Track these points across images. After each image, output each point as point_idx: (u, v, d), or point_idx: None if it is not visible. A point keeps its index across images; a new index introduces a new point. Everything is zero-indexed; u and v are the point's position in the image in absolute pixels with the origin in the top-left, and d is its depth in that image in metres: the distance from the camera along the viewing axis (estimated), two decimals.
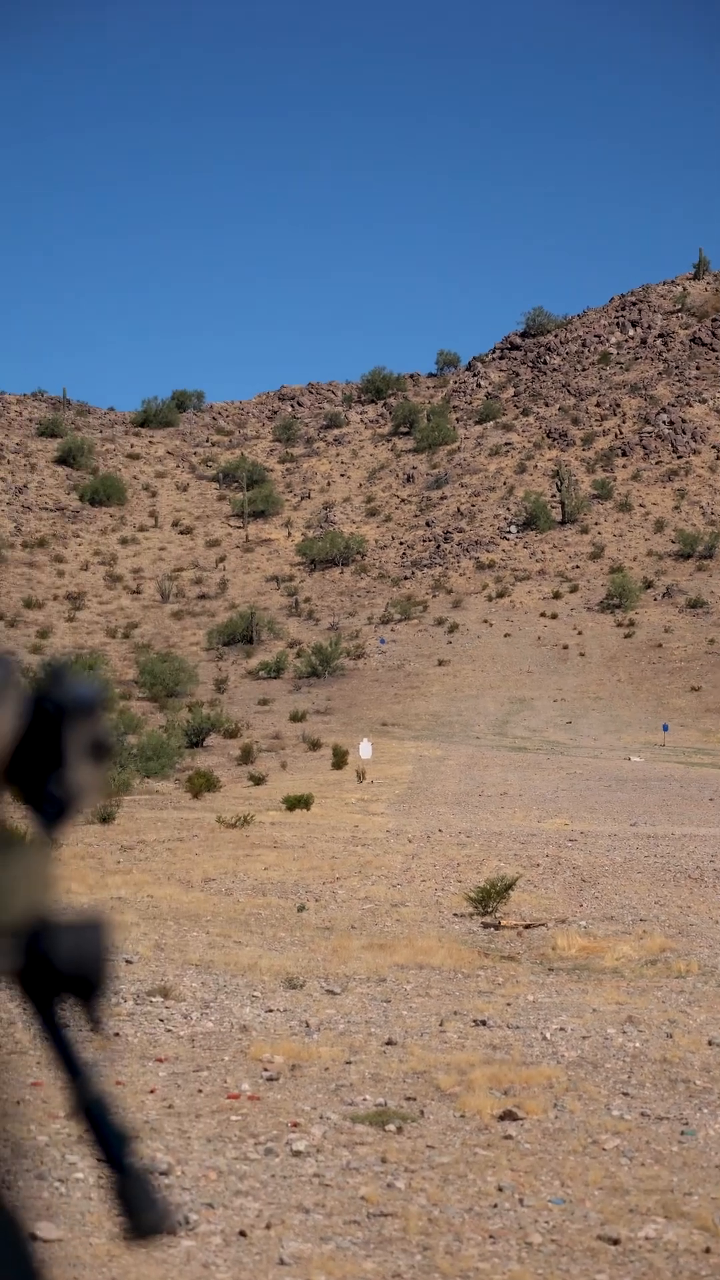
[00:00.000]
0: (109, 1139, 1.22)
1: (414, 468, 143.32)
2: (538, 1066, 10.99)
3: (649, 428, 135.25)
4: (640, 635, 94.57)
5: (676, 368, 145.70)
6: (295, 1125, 9.36)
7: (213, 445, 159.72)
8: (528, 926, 18.93)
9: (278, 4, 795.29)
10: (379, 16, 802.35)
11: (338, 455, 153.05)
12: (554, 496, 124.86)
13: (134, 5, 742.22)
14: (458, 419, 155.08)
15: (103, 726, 1.33)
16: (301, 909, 19.94)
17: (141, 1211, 1.25)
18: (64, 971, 1.16)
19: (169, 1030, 12.19)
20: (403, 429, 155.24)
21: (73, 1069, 1.19)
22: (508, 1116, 9.58)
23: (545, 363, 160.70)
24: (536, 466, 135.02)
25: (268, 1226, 7.55)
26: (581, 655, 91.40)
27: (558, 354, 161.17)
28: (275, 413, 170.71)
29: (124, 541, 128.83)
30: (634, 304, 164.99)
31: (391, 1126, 9.35)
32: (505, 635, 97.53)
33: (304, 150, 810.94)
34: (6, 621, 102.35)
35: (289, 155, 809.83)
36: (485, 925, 19.02)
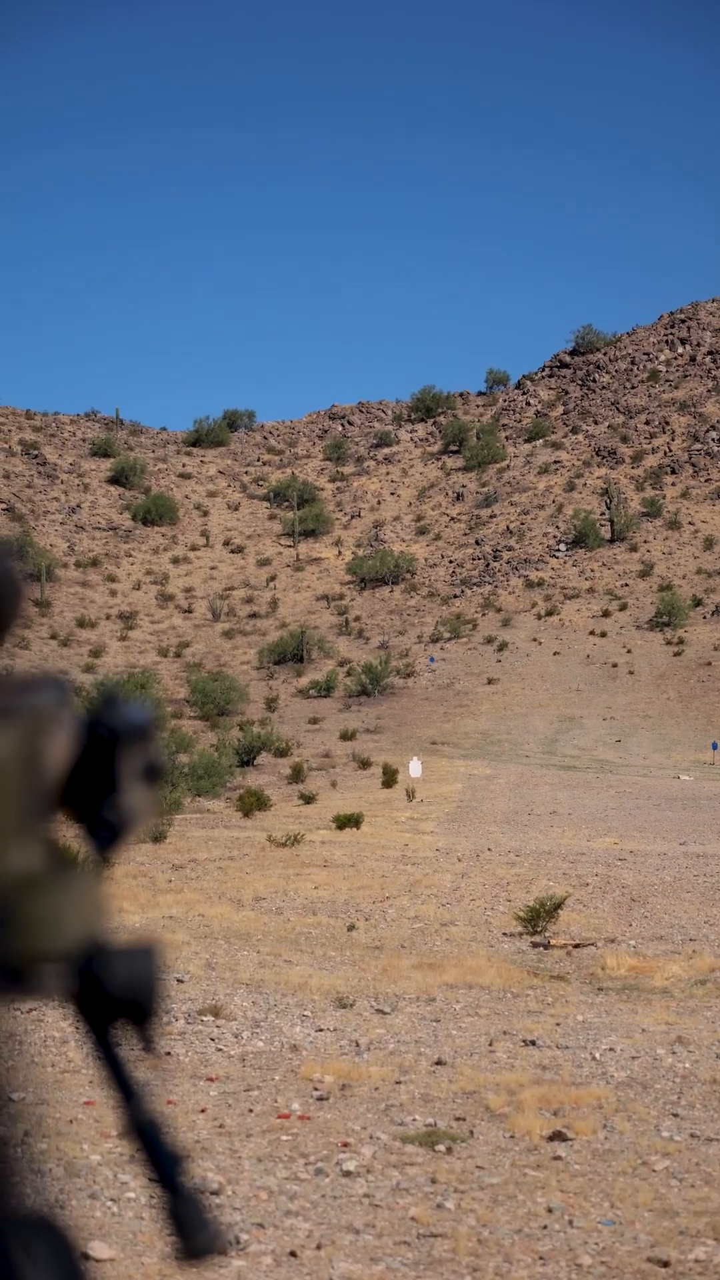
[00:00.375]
0: (161, 1160, 1.28)
1: (463, 486, 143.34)
2: (587, 1087, 10.98)
3: (698, 445, 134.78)
4: (689, 653, 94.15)
5: None
6: (345, 1145, 9.39)
7: (264, 464, 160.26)
8: (577, 946, 18.90)
9: (330, 23, 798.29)
10: (436, 33, 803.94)
11: (388, 474, 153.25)
12: (603, 514, 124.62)
13: (175, 36, 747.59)
14: (507, 437, 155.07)
15: (155, 750, 1.39)
16: (351, 928, 19.97)
17: (193, 1232, 1.30)
18: (117, 995, 1.22)
19: (220, 1049, 12.25)
20: (452, 447, 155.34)
21: (126, 1091, 1.25)
22: (557, 1137, 9.58)
23: (594, 381, 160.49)
24: (585, 484, 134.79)
25: (318, 1247, 7.59)
26: (631, 673, 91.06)
27: (607, 372, 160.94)
28: (326, 432, 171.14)
29: (176, 561, 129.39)
30: (683, 321, 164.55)
31: (441, 1147, 9.38)
32: (554, 653, 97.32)
33: (360, 170, 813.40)
34: (60, 641, 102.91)
35: (344, 174, 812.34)
36: (534, 945, 19.00)
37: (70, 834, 1.42)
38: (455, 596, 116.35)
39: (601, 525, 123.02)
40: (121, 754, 1.34)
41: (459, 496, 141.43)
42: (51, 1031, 11.96)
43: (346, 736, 70.49)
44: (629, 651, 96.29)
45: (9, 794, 1.23)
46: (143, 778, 1.35)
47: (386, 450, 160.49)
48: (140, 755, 1.35)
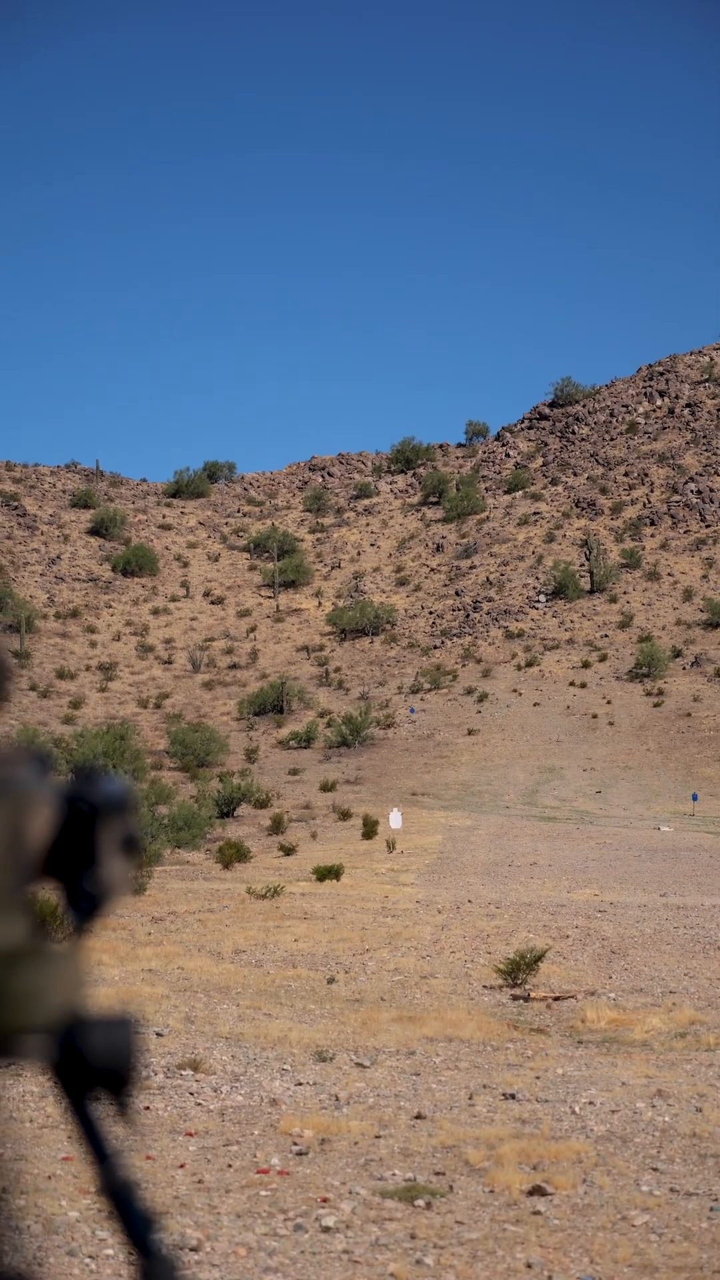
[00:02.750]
0: (134, 1221, 1.31)
1: (443, 537, 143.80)
2: (567, 1141, 10.97)
3: (677, 497, 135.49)
4: (669, 704, 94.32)
5: (704, 437, 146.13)
6: (325, 1200, 9.36)
7: (244, 516, 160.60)
8: (557, 998, 18.89)
9: (305, 70, 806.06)
10: (418, 82, 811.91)
11: (368, 525, 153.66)
12: (583, 565, 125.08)
13: (168, 95, 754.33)
14: (487, 489, 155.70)
15: (134, 824, 1.44)
16: (331, 981, 19.93)
17: None
18: (95, 1066, 1.27)
19: (199, 1104, 12.21)
20: (432, 499, 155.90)
21: (100, 1154, 1.29)
22: (537, 1192, 9.57)
23: (573, 432, 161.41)
24: (565, 536, 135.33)
25: None
26: (611, 724, 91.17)
27: (586, 424, 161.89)
28: (306, 483, 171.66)
29: (156, 612, 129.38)
30: (661, 374, 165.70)
31: (421, 1202, 9.36)
32: (534, 704, 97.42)
33: (340, 222, 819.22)
34: (39, 692, 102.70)
35: (324, 225, 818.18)
36: (515, 997, 18.98)
37: (51, 905, 1.47)
38: (435, 647, 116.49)
39: (581, 576, 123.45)
40: (101, 827, 1.37)
41: (439, 548, 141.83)
42: (30, 1086, 11.91)
43: (327, 788, 70.38)
44: (609, 702, 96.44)
45: None
46: (121, 850, 1.39)
47: (366, 501, 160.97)
48: (119, 828, 1.39)
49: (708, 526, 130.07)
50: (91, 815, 1.37)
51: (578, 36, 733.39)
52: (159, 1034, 15.19)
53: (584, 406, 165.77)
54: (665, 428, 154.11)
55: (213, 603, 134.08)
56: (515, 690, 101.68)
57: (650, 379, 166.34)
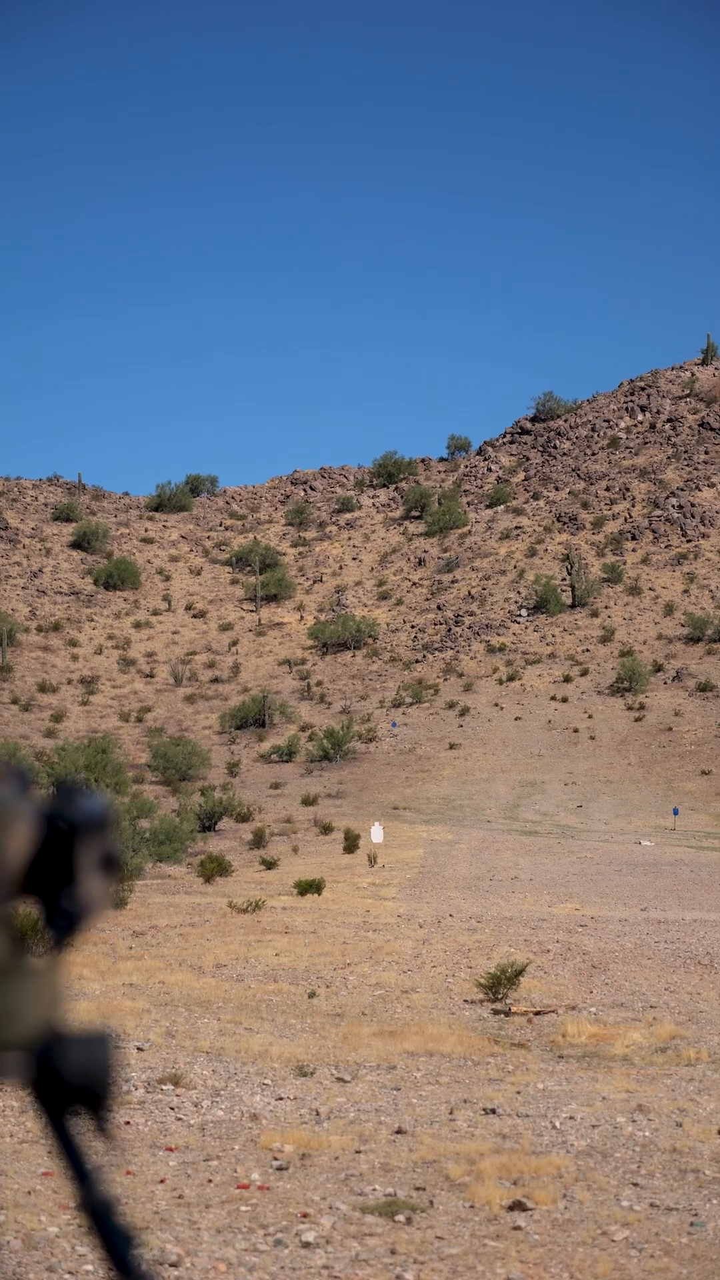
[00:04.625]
0: (113, 1239, 1.32)
1: (425, 551, 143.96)
2: (547, 1156, 10.97)
3: (658, 512, 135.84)
4: (650, 719, 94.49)
5: (685, 452, 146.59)
6: (305, 1216, 9.36)
7: (226, 529, 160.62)
8: (538, 1013, 18.89)
9: (282, 90, 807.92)
10: (396, 93, 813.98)
11: (350, 539, 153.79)
12: (564, 580, 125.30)
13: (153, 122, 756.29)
14: (468, 503, 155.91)
15: (113, 842, 1.45)
16: (312, 995, 19.91)
17: None
18: (72, 1083, 1.28)
19: (179, 1119, 12.19)
20: (414, 513, 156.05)
21: (80, 1173, 1.30)
22: (517, 1207, 9.57)
23: (555, 447, 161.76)
24: (547, 550, 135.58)
25: None
26: (592, 739, 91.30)
27: (567, 438, 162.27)
28: (288, 497, 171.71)
29: (137, 625, 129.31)
30: (643, 389, 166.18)
31: (401, 1217, 9.35)
32: (516, 719, 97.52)
33: (320, 235, 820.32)
34: (21, 705, 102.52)
35: (304, 240, 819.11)
36: (496, 1012, 18.98)
37: (30, 921, 1.47)
38: (417, 661, 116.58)
39: (563, 591, 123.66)
40: (80, 845, 1.38)
41: (421, 562, 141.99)
42: (10, 1101, 11.89)
43: (308, 801, 70.36)
44: (590, 717, 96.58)
45: None
46: (100, 868, 1.40)
47: (348, 515, 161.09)
48: (98, 846, 1.40)
49: (689, 541, 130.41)
50: (70, 833, 1.38)
51: (559, 54, 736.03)
52: (140, 1048, 15.16)
53: (566, 421, 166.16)
54: (647, 443, 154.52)
55: (195, 616, 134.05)
56: (497, 704, 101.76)
57: (632, 394, 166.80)
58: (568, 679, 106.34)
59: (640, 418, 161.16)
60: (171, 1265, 8.18)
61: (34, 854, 1.37)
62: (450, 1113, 12.70)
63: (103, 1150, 1.33)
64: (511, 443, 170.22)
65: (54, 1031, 1.29)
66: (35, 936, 1.45)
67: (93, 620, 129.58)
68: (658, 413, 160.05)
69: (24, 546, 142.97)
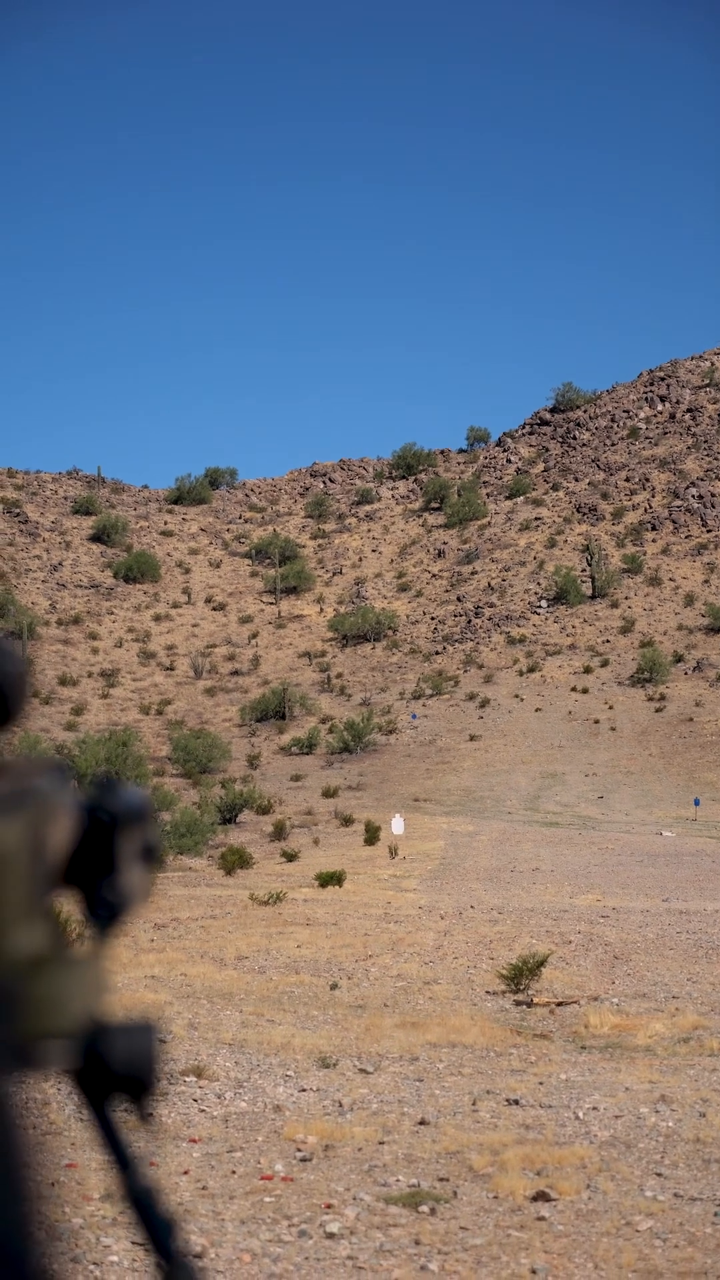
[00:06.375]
0: (155, 1227, 1.32)
1: (445, 543, 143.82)
2: (570, 1146, 10.97)
3: (678, 502, 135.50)
4: (671, 709, 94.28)
5: (705, 442, 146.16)
6: (329, 1206, 9.36)
7: (245, 522, 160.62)
8: (560, 1004, 18.88)
9: (292, 85, 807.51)
10: (407, 92, 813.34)
11: (369, 531, 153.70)
12: (584, 571, 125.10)
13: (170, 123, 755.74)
14: (488, 494, 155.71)
15: (153, 833, 1.45)
16: (334, 987, 19.92)
17: None
18: (118, 1071, 1.28)
19: (202, 1110, 12.21)
20: (434, 504, 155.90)
21: (121, 1160, 1.30)
22: (541, 1197, 9.57)
23: (575, 438, 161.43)
24: (566, 541, 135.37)
25: None
26: (612, 730, 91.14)
27: (587, 429, 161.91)
28: (307, 489, 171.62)
29: (157, 618, 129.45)
30: (662, 379, 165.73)
31: (425, 1208, 9.35)
32: (536, 710, 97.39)
33: (340, 229, 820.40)
34: (41, 699, 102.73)
35: (324, 233, 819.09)
36: (518, 1003, 18.97)
37: (72, 913, 1.47)
38: (437, 653, 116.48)
39: (583, 582, 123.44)
40: (120, 837, 1.39)
41: (440, 553, 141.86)
42: (33, 1093, 11.90)
43: (329, 793, 70.36)
44: (611, 708, 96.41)
45: (17, 879, 1.28)
46: (141, 859, 1.40)
47: (368, 507, 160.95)
48: (138, 837, 1.41)
49: (709, 531, 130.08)
50: (111, 824, 1.39)
51: (572, 47, 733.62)
52: (162, 1040, 15.18)
53: (585, 412, 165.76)
54: (666, 433, 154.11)
55: (214, 609, 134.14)
56: (517, 696, 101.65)
57: (651, 384, 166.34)
58: (588, 670, 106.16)
59: (660, 408, 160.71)
60: (196, 1256, 8.19)
61: (75, 846, 1.38)
62: (473, 1104, 12.70)
63: (144, 1140, 1.33)
64: (531, 434, 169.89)
65: (99, 1021, 1.29)
66: (78, 927, 1.46)
67: (113, 613, 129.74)
68: (677, 403, 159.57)
69: (44, 540, 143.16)
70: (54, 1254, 1.23)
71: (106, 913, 1.38)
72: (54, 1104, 11.19)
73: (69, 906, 1.46)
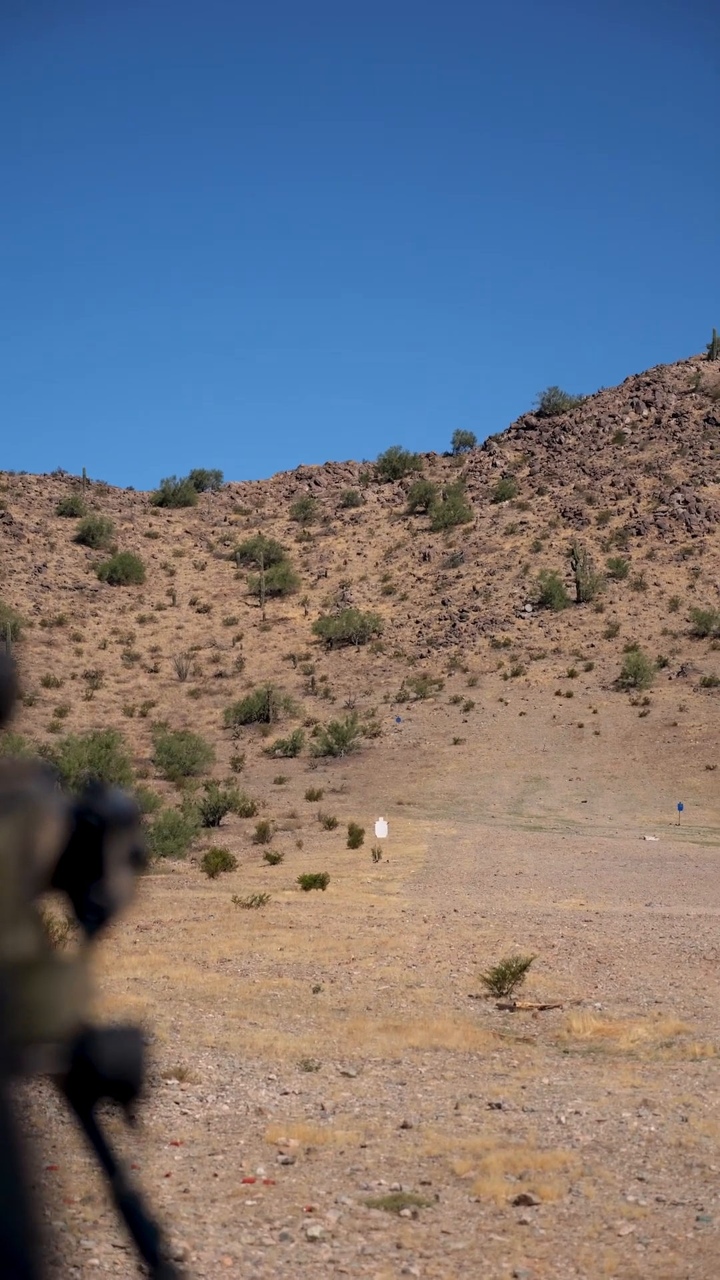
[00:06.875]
0: (142, 1231, 1.32)
1: (430, 546, 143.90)
2: (553, 1151, 10.96)
3: (663, 507, 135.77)
4: (655, 714, 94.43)
5: (690, 447, 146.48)
6: (310, 1210, 9.35)
7: (230, 524, 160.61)
8: (543, 1008, 18.87)
9: (285, 87, 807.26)
10: (400, 93, 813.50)
11: (354, 534, 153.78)
12: (569, 575, 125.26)
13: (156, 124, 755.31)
14: (473, 498, 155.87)
15: (141, 837, 1.44)
16: (317, 990, 19.90)
17: None
18: (106, 1076, 1.27)
19: (184, 1113, 12.19)
20: (419, 508, 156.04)
21: (108, 1165, 1.30)
22: (523, 1202, 9.56)
23: (560, 442, 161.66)
24: (551, 545, 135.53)
25: None
26: (596, 734, 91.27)
27: (573, 434, 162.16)
28: (293, 492, 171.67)
29: (142, 620, 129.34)
30: (648, 384, 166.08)
31: (407, 1211, 9.34)
32: (520, 714, 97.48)
33: (326, 231, 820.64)
34: (25, 700, 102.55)
35: (310, 235, 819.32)
36: (500, 1007, 18.97)
37: (60, 917, 1.47)
38: (421, 657, 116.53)
39: (567, 586, 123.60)
40: (108, 841, 1.38)
41: (425, 557, 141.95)
42: (15, 1096, 11.87)
43: (312, 796, 70.35)
44: (595, 712, 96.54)
45: (6, 883, 1.28)
46: (129, 863, 1.40)
47: (353, 511, 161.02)
48: (126, 842, 1.40)
49: (694, 536, 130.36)
50: (99, 829, 1.38)
51: (563, 51, 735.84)
52: None
53: (571, 416, 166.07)
54: (652, 438, 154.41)
55: (199, 611, 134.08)
56: (501, 700, 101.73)
57: (637, 389, 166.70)
58: (572, 674, 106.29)
59: (645, 413, 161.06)
60: (177, 1260, 8.14)
61: (63, 850, 1.37)
62: (455, 1107, 12.69)
63: (132, 1143, 1.33)
64: (516, 438, 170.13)
65: (87, 1025, 1.29)
66: (65, 931, 1.45)
67: (97, 615, 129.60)
68: (663, 408, 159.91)
69: (28, 541, 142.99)
70: (59, 1259, 1.22)
71: (94, 917, 1.38)
72: (34, 1106, 11.15)
73: (56, 910, 1.46)
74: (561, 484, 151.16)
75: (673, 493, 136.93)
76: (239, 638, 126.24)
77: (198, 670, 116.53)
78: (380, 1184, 10.03)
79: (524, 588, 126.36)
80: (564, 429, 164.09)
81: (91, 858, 1.38)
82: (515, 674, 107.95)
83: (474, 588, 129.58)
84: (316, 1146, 11.07)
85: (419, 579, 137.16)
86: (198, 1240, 8.63)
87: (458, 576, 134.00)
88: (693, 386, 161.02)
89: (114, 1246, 8.05)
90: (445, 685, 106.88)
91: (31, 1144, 1.25)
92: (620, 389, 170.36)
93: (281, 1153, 10.85)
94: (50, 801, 1.37)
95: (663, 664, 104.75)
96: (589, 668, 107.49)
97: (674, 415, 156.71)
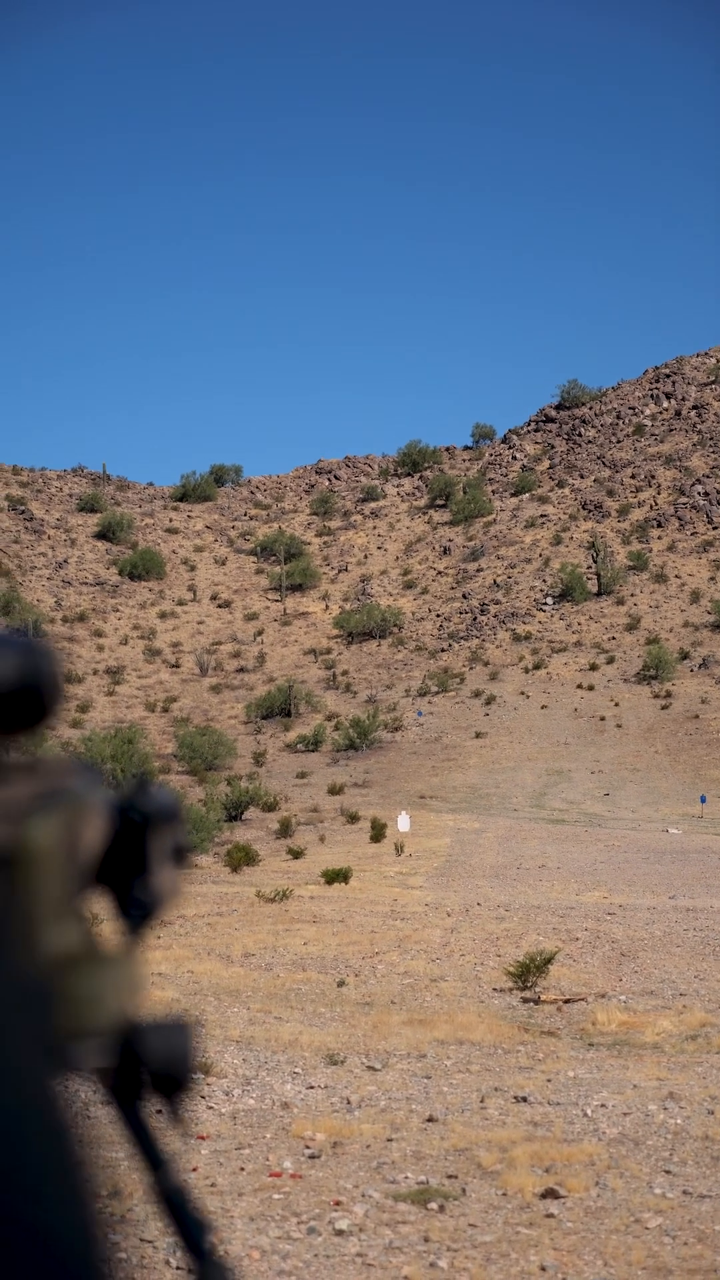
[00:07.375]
0: (188, 1226, 1.32)
1: (450, 540, 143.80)
2: (579, 1144, 10.96)
3: (684, 499, 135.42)
4: (677, 706, 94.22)
5: (711, 439, 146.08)
6: (338, 1204, 9.36)
7: (250, 519, 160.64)
8: (567, 1001, 18.87)
9: (295, 81, 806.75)
10: (426, 91, 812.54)
11: (374, 528, 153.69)
12: (589, 568, 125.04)
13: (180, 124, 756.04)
14: (493, 491, 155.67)
15: (184, 833, 1.45)
16: (341, 984, 19.92)
17: None
18: (154, 1070, 1.27)
19: (210, 1107, 12.21)
20: (439, 502, 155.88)
21: (154, 1160, 1.30)
22: (550, 1195, 9.56)
23: (580, 435, 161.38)
24: (572, 538, 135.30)
25: None
26: (618, 727, 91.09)
27: (593, 426, 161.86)
28: (312, 486, 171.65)
29: (163, 615, 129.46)
30: (668, 376, 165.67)
31: (434, 1205, 9.35)
32: (542, 707, 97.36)
33: (345, 226, 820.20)
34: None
35: (329, 230, 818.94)
36: (525, 1000, 18.96)
37: (105, 913, 1.48)
38: (442, 650, 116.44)
39: (588, 579, 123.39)
40: (152, 836, 1.39)
41: (446, 550, 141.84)
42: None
43: (334, 791, 70.36)
44: (616, 705, 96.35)
45: (52, 878, 1.28)
46: (172, 859, 1.40)
47: (373, 505, 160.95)
48: (169, 837, 1.41)
49: (715, 528, 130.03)
50: (143, 824, 1.39)
51: (575, 45, 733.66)
52: None
53: (590, 409, 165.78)
54: (672, 430, 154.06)
55: (220, 606, 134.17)
56: (523, 693, 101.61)
57: (657, 381, 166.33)
58: (594, 667, 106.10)
59: (665, 405, 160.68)
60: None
61: (107, 845, 1.38)
62: (481, 1101, 12.69)
63: (177, 1138, 1.33)
64: (536, 430, 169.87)
65: (134, 1019, 1.29)
66: (109, 928, 1.46)
67: (118, 611, 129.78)
68: (683, 399, 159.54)
69: (49, 537, 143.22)
70: (115, 1253, 1.22)
71: (138, 912, 1.38)
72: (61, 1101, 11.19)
73: (100, 906, 1.46)
74: (582, 476, 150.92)
75: (693, 485, 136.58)
76: (260, 632, 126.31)
77: (219, 665, 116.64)
78: (407, 1177, 10.04)
79: (545, 581, 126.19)
80: (584, 421, 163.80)
81: (135, 853, 1.39)
82: (536, 667, 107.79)
83: (495, 581, 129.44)
84: (343, 1140, 11.09)
85: (439, 573, 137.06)
86: (225, 1234, 8.65)
87: (478, 570, 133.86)
88: (713, 378, 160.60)
89: (141, 1240, 8.07)
90: (466, 679, 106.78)
91: (86, 1140, 1.25)
92: (640, 381, 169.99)
93: (308, 1146, 10.87)
94: (94, 798, 1.37)
95: (684, 656, 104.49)
96: (610, 660, 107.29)
97: (694, 407, 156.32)
